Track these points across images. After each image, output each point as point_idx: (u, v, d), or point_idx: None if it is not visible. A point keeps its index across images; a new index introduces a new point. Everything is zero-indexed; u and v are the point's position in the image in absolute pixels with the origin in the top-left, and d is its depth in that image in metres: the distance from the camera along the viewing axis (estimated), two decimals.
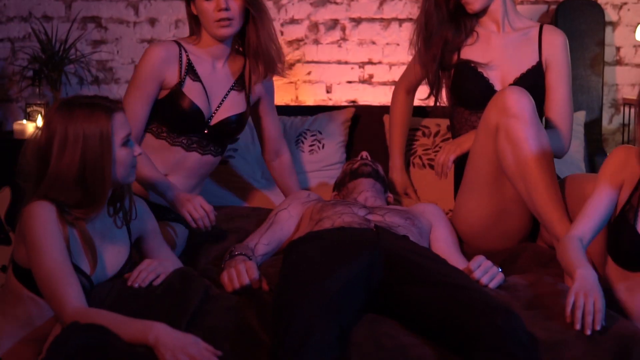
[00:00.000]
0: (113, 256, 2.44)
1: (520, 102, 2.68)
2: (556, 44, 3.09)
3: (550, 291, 2.44)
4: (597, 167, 3.97)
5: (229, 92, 3.01)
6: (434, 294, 2.24)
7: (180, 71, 2.94)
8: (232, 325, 2.25)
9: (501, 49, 3.08)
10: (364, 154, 3.26)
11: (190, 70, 2.96)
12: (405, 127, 3.44)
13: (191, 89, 2.94)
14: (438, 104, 3.17)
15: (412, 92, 3.40)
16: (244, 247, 2.70)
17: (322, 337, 2.05)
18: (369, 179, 3.10)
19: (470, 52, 3.07)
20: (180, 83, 2.93)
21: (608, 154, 2.97)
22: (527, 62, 3.07)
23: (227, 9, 2.89)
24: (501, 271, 2.57)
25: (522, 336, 2.08)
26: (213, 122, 2.98)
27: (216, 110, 2.99)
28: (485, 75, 3.04)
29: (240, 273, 2.48)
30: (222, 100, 3.00)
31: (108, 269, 2.41)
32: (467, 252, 2.96)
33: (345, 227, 2.62)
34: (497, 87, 3.03)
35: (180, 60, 2.95)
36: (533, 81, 3.04)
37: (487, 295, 2.26)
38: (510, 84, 3.01)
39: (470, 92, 3.05)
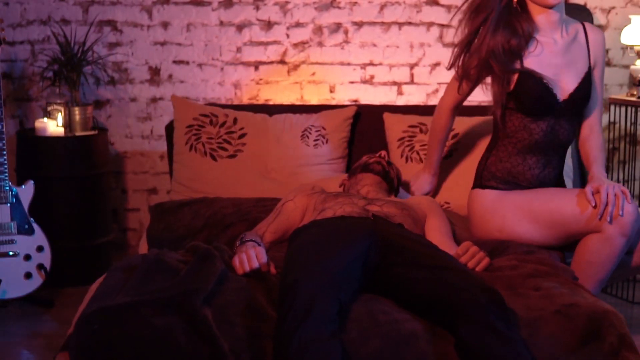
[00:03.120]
0: None
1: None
2: (600, 44, 3.20)
3: (531, 272, 2.68)
4: None
5: None
6: (424, 275, 2.46)
7: None
8: (242, 302, 2.46)
9: (561, 58, 3.12)
10: (383, 153, 3.44)
11: None
12: (445, 143, 3.51)
13: None
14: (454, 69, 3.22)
15: (458, 108, 3.40)
16: (253, 235, 2.92)
17: (323, 311, 2.26)
18: (376, 177, 3.31)
19: (533, 62, 3.08)
20: None
21: None
22: (582, 70, 3.15)
23: None
24: (487, 256, 2.80)
25: (503, 312, 2.30)
26: None
27: None
28: (550, 86, 3.08)
29: (250, 257, 2.70)
30: None
31: None
32: (460, 240, 3.18)
33: (345, 216, 2.84)
34: (560, 97, 3.10)
35: None
36: (586, 90, 3.15)
37: (472, 276, 2.48)
38: (571, 93, 3.11)
39: (534, 102, 3.09)
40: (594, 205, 2.90)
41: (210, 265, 2.62)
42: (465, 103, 3.34)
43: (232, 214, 3.30)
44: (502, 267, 2.77)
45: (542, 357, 2.29)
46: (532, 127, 3.11)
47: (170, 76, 4.51)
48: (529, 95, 3.08)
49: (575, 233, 2.98)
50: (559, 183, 3.24)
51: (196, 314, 2.34)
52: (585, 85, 3.14)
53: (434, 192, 3.58)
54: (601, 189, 2.90)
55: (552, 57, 3.11)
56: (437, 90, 4.41)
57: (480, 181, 3.21)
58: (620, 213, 2.86)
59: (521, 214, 3.07)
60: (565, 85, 3.11)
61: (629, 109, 4.13)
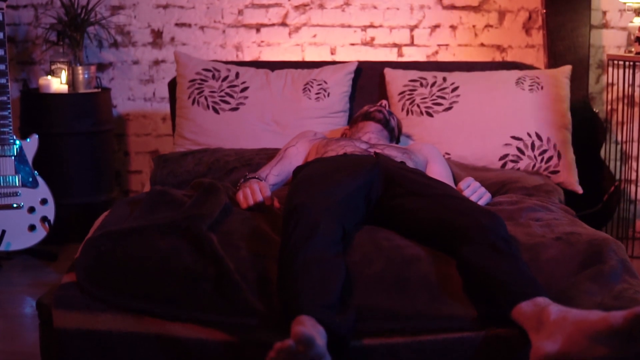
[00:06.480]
0: None
1: None
2: None
3: (531, 206, 2.72)
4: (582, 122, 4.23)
5: None
6: (426, 203, 2.50)
7: None
8: (247, 230, 2.50)
9: None
10: (384, 102, 3.50)
11: None
12: None
13: None
14: None
15: None
16: (257, 175, 2.97)
17: (327, 233, 2.29)
18: (377, 124, 3.36)
19: None
20: None
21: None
22: None
23: None
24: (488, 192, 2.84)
25: (504, 233, 2.33)
26: None
27: None
28: None
29: (254, 191, 2.74)
30: None
31: None
32: None
33: (348, 154, 2.89)
34: None
35: None
36: None
37: (474, 203, 2.52)
38: None
39: None
40: None
41: (215, 197, 2.66)
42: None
43: (235, 160, 3.33)
44: (503, 202, 2.81)
45: (543, 279, 2.31)
46: None
47: (172, 39, 4.54)
48: None
49: None
50: None
51: (202, 236, 2.37)
52: None
53: None
54: None
55: None
56: (436, 52, 4.45)
57: None
58: None
59: None
60: None
61: (627, 71, 4.17)
